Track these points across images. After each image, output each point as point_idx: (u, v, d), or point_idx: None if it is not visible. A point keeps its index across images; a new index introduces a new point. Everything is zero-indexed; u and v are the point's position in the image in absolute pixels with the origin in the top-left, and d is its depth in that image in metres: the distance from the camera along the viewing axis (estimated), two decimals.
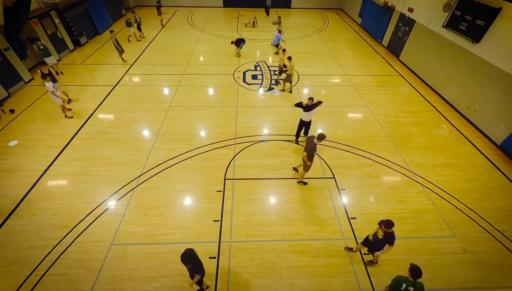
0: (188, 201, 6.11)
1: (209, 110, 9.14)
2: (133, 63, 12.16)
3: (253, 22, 17.07)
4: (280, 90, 10.35)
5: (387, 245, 4.31)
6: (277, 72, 11.08)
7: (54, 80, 8.39)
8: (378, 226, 4.43)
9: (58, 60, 12.00)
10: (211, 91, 10.34)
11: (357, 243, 5.32)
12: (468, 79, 8.95)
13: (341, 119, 8.91)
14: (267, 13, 16.88)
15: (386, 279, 4.77)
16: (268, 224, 5.66)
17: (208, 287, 4.55)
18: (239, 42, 12.17)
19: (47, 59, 10.36)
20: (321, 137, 5.62)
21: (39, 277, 4.69)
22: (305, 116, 7.13)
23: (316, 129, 8.34)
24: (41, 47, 10.07)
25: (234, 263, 4.96)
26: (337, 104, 9.69)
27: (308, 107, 6.95)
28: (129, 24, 13.72)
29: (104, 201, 5.97)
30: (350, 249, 5.19)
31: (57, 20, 12.25)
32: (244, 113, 9.02)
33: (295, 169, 6.82)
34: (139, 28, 14.68)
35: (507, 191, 6.54)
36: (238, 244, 5.26)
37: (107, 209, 5.83)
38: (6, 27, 9.27)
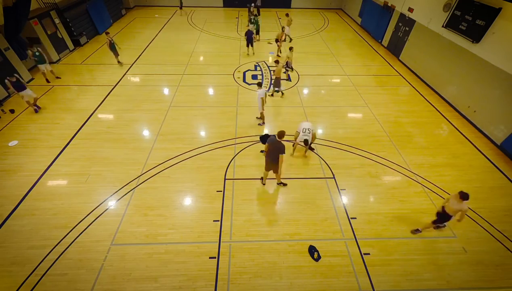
0: (188, 201, 6.11)
1: (209, 110, 9.14)
2: (133, 63, 12.17)
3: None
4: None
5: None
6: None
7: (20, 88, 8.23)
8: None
9: (58, 61, 12.01)
10: (211, 91, 10.34)
11: (357, 244, 5.33)
12: (468, 79, 8.95)
13: (341, 119, 8.90)
14: (258, 13, 16.58)
15: (386, 279, 4.80)
16: (268, 224, 5.66)
17: None
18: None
19: (41, 66, 9.94)
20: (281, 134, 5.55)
21: (39, 277, 4.68)
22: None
23: (316, 130, 8.34)
24: (37, 54, 9.70)
25: (234, 263, 4.95)
26: (337, 104, 9.69)
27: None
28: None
29: (104, 201, 5.97)
30: (417, 231, 5.48)
31: (57, 20, 12.25)
32: (244, 113, 9.02)
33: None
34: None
35: (507, 191, 6.54)
36: (238, 244, 5.26)
37: (107, 209, 5.83)
38: (6, 27, 9.27)
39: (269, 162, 5.90)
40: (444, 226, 5.55)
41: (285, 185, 6.50)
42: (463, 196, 4.55)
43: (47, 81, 10.38)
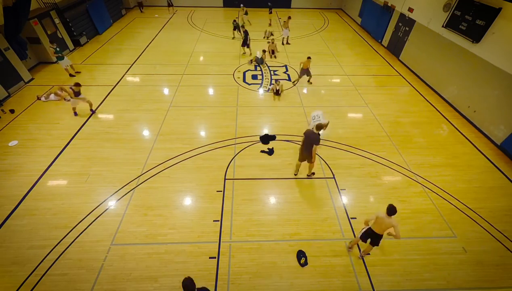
0: (188, 201, 6.11)
1: (209, 110, 9.14)
2: (133, 63, 12.17)
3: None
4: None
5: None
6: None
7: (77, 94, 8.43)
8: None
9: (56, 62, 12.03)
10: (211, 91, 10.34)
11: (357, 244, 5.32)
12: (468, 79, 8.94)
13: (341, 119, 8.90)
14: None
15: (386, 279, 4.80)
16: (268, 224, 5.66)
17: None
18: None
19: (62, 62, 10.27)
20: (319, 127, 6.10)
21: (39, 277, 4.68)
22: None
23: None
24: (57, 49, 10.00)
25: (234, 263, 4.96)
26: (337, 104, 9.69)
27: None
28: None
29: (104, 201, 5.97)
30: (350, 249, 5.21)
31: (57, 20, 12.24)
32: (244, 113, 9.02)
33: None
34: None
35: (507, 191, 6.54)
36: (238, 244, 5.26)
37: (107, 209, 5.83)
38: (6, 27, 9.27)
39: (303, 152, 6.20)
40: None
41: (313, 173, 6.72)
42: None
43: (71, 75, 10.75)
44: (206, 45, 14.38)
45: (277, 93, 9.86)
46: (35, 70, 11.13)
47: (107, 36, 15.21)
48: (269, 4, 17.95)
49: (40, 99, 9.21)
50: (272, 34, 15.47)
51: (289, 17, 14.35)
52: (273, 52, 13.16)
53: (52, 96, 9.25)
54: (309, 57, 9.95)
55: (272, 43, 13.06)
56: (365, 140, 7.95)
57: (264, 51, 12.27)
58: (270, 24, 16.64)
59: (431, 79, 10.90)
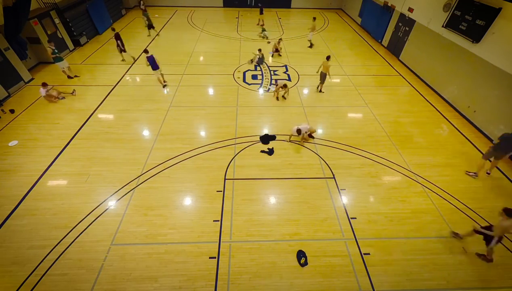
0: (188, 201, 6.11)
1: (209, 110, 9.14)
2: (133, 63, 12.16)
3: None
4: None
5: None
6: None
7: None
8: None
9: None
10: (211, 91, 10.34)
11: (357, 244, 5.33)
12: (468, 79, 8.94)
13: (341, 119, 8.90)
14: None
15: (386, 279, 4.80)
16: (268, 224, 5.66)
17: None
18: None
19: (60, 64, 10.20)
20: None
21: (39, 277, 4.69)
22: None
23: (316, 130, 8.33)
24: (55, 50, 9.93)
25: (234, 263, 4.96)
26: (337, 104, 9.69)
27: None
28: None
29: (104, 201, 5.97)
30: (457, 235, 5.37)
31: (57, 20, 12.24)
32: (244, 113, 9.02)
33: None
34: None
35: (507, 191, 6.54)
36: (238, 244, 5.26)
37: (107, 209, 5.83)
38: (6, 27, 9.27)
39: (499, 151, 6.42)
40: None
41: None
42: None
43: (70, 77, 10.70)
44: (206, 45, 14.38)
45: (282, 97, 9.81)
46: (35, 70, 11.13)
47: (107, 36, 15.19)
48: (259, 4, 18.10)
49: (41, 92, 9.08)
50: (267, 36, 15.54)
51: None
52: (277, 50, 13.17)
53: (42, 90, 8.96)
54: None
55: (278, 43, 13.16)
56: (365, 140, 7.95)
57: (259, 50, 12.28)
58: (262, 24, 16.67)
59: (431, 79, 10.90)
